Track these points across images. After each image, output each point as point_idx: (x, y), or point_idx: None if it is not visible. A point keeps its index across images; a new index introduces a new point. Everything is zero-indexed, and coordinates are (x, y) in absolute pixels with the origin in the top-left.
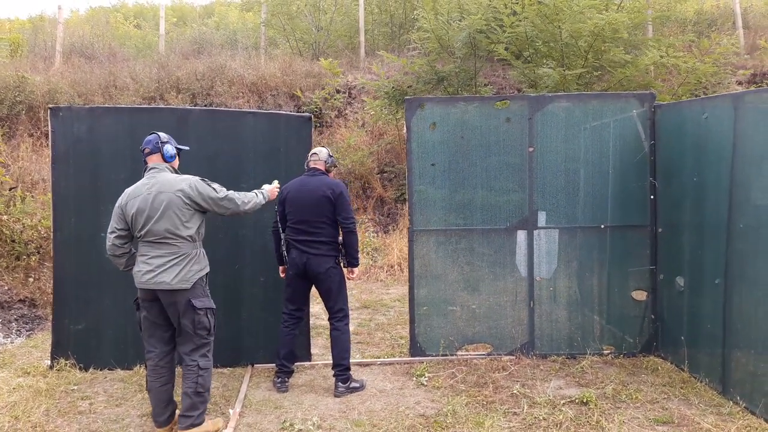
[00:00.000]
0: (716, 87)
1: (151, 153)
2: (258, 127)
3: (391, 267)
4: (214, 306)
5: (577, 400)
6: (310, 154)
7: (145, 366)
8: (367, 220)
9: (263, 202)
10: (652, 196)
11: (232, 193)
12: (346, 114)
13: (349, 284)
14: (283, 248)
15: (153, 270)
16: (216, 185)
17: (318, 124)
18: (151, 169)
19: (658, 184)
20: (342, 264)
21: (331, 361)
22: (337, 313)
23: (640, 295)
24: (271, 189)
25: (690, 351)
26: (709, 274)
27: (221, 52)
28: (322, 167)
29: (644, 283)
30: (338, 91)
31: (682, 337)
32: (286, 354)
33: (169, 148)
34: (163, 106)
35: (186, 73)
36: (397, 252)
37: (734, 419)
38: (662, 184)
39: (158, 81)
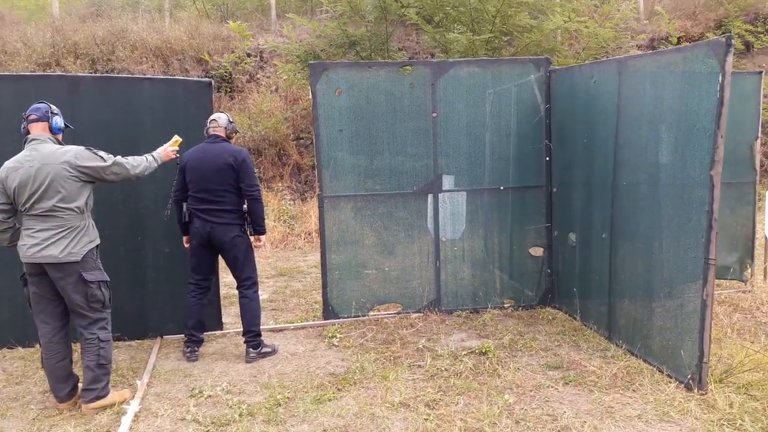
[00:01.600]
0: (616, 51)
1: (37, 120)
2: (155, 94)
3: (309, 234)
4: (107, 278)
5: (477, 351)
6: (209, 121)
7: (39, 343)
8: (283, 188)
9: (156, 165)
10: (547, 158)
11: (119, 159)
12: (258, 78)
13: (265, 252)
14: (186, 218)
15: (39, 243)
16: (102, 153)
17: (229, 89)
18: (33, 140)
19: (553, 146)
20: (249, 232)
21: (242, 329)
22: (245, 281)
23: (537, 251)
24: (165, 151)
25: (581, 301)
26: (597, 229)
27: (122, 14)
28: (222, 134)
29: (541, 239)
30: (249, 55)
31: (575, 289)
32: (194, 324)
33: (59, 120)
34: (51, 73)
35: (84, 38)
36: (315, 219)
37: (617, 361)
38: (556, 146)
39: (53, 46)
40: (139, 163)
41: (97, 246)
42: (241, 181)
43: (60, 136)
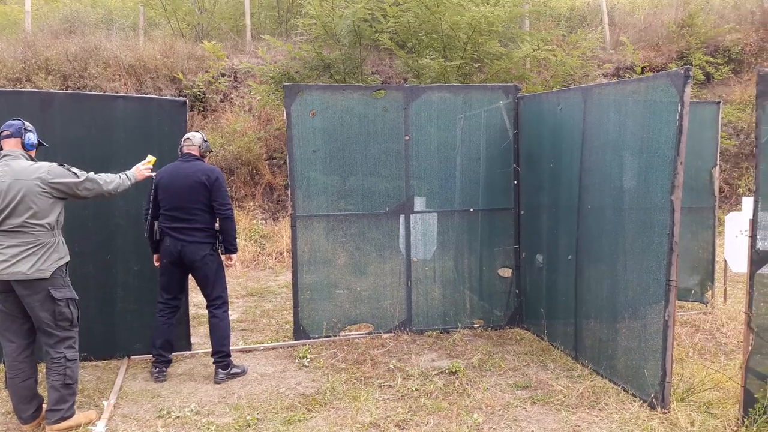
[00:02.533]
0: (584, 79)
1: (10, 136)
2: (129, 112)
3: (280, 254)
4: (75, 296)
5: (446, 371)
6: (183, 139)
7: (4, 362)
8: (255, 207)
9: (129, 183)
10: (515, 181)
11: (92, 175)
12: (232, 98)
13: (236, 272)
14: (157, 236)
15: (8, 260)
16: (75, 169)
17: (202, 108)
18: (5, 156)
19: (521, 170)
20: (220, 251)
21: (211, 349)
22: (215, 300)
23: (506, 272)
24: (139, 171)
25: (548, 322)
26: (564, 251)
27: (95, 32)
28: (196, 152)
29: (509, 261)
30: (223, 75)
31: (542, 310)
32: (163, 343)
33: (32, 137)
34: (23, 89)
35: (56, 54)
36: (286, 239)
37: (583, 381)
38: (524, 170)
39: (24, 61)
40: (112, 180)
41: (67, 263)
42: (214, 199)
43: (33, 153)
